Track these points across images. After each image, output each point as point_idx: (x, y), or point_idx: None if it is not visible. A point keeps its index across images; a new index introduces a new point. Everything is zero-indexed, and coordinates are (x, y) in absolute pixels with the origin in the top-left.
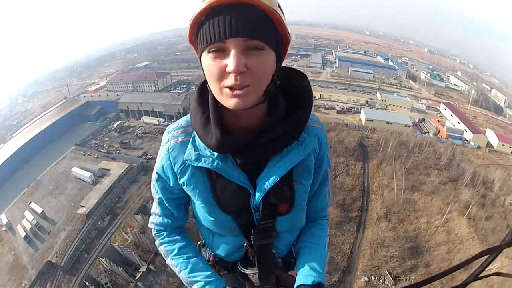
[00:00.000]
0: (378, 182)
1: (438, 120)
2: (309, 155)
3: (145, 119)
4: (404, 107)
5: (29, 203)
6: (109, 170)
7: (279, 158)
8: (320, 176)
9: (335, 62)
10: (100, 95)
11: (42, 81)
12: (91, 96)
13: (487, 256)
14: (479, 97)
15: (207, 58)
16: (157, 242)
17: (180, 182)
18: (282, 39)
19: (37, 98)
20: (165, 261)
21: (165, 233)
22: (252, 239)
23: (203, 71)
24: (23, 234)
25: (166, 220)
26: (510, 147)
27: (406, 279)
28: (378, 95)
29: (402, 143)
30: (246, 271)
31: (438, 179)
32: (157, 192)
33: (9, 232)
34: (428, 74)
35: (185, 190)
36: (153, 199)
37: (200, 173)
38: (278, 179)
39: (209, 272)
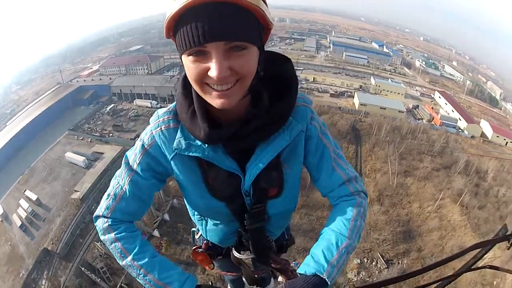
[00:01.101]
0: (371, 165)
1: (432, 108)
2: (297, 138)
3: (138, 101)
4: (398, 93)
5: (24, 191)
6: (102, 153)
7: (266, 144)
8: (313, 146)
9: (329, 47)
10: (93, 80)
11: (35, 68)
12: (84, 80)
13: (480, 248)
14: (475, 88)
15: (187, 60)
16: (109, 237)
17: (174, 169)
18: (264, 28)
19: (31, 85)
20: (118, 261)
21: (123, 226)
22: (245, 223)
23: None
24: (19, 223)
25: (130, 206)
26: (504, 139)
27: (398, 263)
28: (372, 80)
29: (396, 128)
30: (241, 256)
31: (431, 165)
32: (136, 169)
33: (5, 222)
34: (423, 62)
35: (176, 178)
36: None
37: (190, 161)
38: (265, 164)
39: (179, 270)
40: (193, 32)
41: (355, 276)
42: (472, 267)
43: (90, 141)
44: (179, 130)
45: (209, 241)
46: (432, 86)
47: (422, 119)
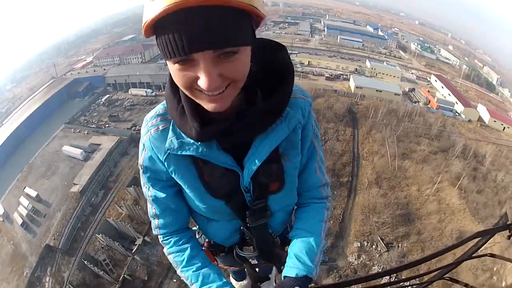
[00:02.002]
0: (368, 148)
1: (428, 91)
2: (294, 129)
3: (133, 91)
4: (394, 76)
5: (24, 188)
6: (100, 145)
7: (263, 137)
8: (306, 147)
9: (324, 30)
10: (87, 71)
11: (29, 65)
12: (78, 73)
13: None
14: (471, 72)
15: (173, 68)
16: (165, 251)
17: (169, 170)
18: (256, 21)
19: (25, 82)
20: (176, 271)
21: (172, 241)
22: (247, 221)
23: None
24: (20, 221)
25: (167, 219)
26: (502, 124)
27: (398, 246)
28: (368, 63)
29: (392, 111)
30: (245, 254)
31: (428, 148)
32: (149, 187)
33: (7, 221)
34: (419, 46)
35: (174, 178)
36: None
37: (185, 160)
38: (264, 158)
39: (221, 282)
40: (177, 41)
41: (355, 259)
42: (473, 255)
43: (87, 133)
44: (170, 130)
45: (211, 240)
46: (428, 69)
47: (418, 102)
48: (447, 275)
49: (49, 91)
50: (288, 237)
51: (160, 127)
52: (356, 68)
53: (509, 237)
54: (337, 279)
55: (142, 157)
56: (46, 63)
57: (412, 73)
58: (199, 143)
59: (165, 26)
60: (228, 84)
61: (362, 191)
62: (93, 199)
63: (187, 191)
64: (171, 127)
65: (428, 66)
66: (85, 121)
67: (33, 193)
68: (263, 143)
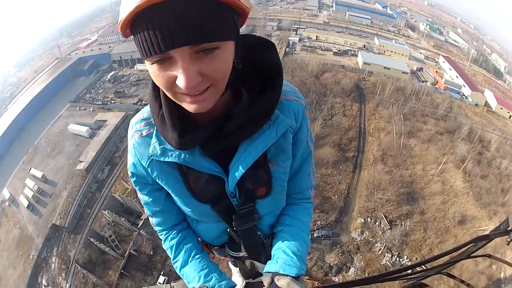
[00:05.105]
0: (375, 124)
1: (436, 71)
2: (284, 134)
3: (139, 66)
4: (402, 54)
5: (29, 170)
6: (105, 121)
7: (249, 142)
8: (300, 152)
9: (332, 6)
10: (92, 50)
11: (32, 48)
12: (83, 52)
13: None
14: (479, 57)
15: (151, 68)
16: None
17: (153, 176)
18: (240, 14)
19: (29, 65)
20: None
21: (166, 235)
22: (234, 225)
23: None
24: (26, 203)
25: (159, 219)
26: (508, 112)
27: (401, 224)
28: (376, 40)
29: (399, 88)
30: (234, 254)
31: (435, 128)
32: (138, 191)
33: (13, 205)
34: (428, 26)
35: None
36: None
37: (169, 166)
38: (249, 166)
39: (197, 283)
40: (152, 38)
41: (358, 235)
42: (472, 255)
43: (92, 110)
44: (153, 135)
45: (201, 239)
46: (436, 50)
47: (426, 81)
48: (444, 271)
49: (53, 72)
50: (273, 231)
51: (144, 133)
52: (364, 45)
53: (508, 243)
54: (339, 254)
55: (129, 162)
56: (50, 45)
57: (420, 53)
58: None
59: (139, 24)
60: (210, 85)
61: (367, 167)
62: (99, 175)
63: (173, 195)
64: (154, 132)
65: (437, 47)
66: (90, 99)
67: (39, 174)
68: (248, 149)
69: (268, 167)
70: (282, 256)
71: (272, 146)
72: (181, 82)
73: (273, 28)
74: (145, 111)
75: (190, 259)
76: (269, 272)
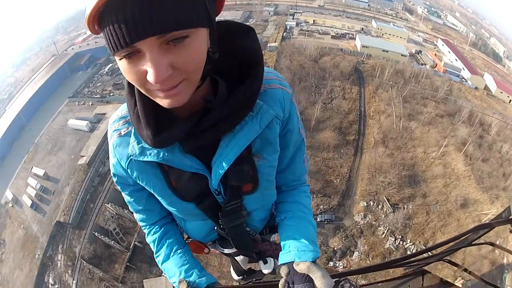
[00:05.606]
0: (375, 107)
1: (435, 54)
2: (270, 125)
3: None
4: (401, 37)
5: (31, 169)
6: (105, 114)
7: (231, 137)
8: (293, 141)
9: None
10: (88, 44)
11: (28, 48)
12: (79, 47)
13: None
14: (478, 41)
15: (120, 63)
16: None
17: (133, 177)
18: (215, 0)
19: (26, 64)
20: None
21: (149, 230)
22: (220, 223)
23: None
24: (29, 202)
25: (142, 216)
26: (508, 96)
27: (404, 208)
28: (374, 24)
29: (399, 71)
30: (224, 250)
31: (435, 111)
32: (121, 190)
33: (16, 206)
34: (425, 10)
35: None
36: None
37: (149, 166)
38: (232, 161)
39: (174, 277)
40: (117, 31)
41: (361, 219)
42: (473, 242)
43: (91, 104)
44: (132, 134)
45: (191, 237)
46: (434, 33)
47: (425, 64)
48: (446, 258)
49: (50, 69)
50: (276, 224)
51: (122, 132)
52: (362, 28)
53: (511, 231)
54: (343, 238)
55: (110, 162)
56: (46, 42)
57: (419, 36)
58: None
59: (105, 18)
60: (183, 79)
61: (368, 150)
62: (100, 168)
63: (156, 195)
64: (133, 131)
65: (435, 30)
66: (89, 93)
67: (41, 172)
68: (231, 143)
69: (253, 161)
70: (293, 244)
71: (257, 138)
72: (150, 76)
73: (269, 13)
74: (123, 108)
75: (172, 253)
76: (285, 264)
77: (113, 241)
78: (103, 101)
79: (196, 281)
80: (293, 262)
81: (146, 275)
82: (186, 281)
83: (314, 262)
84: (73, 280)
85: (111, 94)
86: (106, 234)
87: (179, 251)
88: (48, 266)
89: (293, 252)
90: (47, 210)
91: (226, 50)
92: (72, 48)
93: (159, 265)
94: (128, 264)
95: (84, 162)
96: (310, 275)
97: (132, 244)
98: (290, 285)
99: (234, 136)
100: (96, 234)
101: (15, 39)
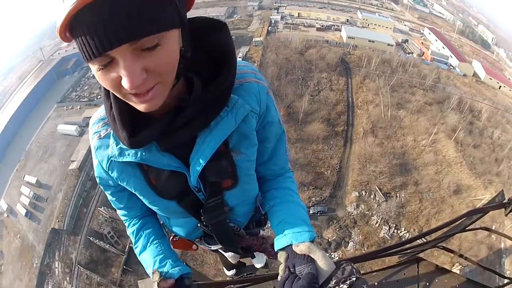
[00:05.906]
0: (363, 97)
1: (422, 43)
2: (246, 119)
3: None
4: (386, 27)
5: (23, 177)
6: None
7: (207, 133)
8: (273, 133)
9: None
10: (74, 48)
11: (14, 56)
12: (65, 51)
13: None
14: (465, 29)
15: (94, 71)
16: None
17: (114, 178)
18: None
19: (13, 72)
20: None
21: (129, 222)
22: (203, 219)
23: None
24: (23, 211)
25: (123, 212)
26: (498, 82)
27: (396, 196)
28: (359, 14)
29: (386, 61)
30: (212, 247)
31: (423, 99)
32: (103, 189)
33: (11, 216)
34: None
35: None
36: None
37: (129, 166)
38: (209, 157)
39: (151, 269)
40: (89, 41)
41: (354, 209)
42: (467, 228)
43: (79, 108)
44: (111, 135)
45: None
46: (421, 22)
47: (412, 53)
48: (440, 244)
49: (38, 75)
50: (263, 218)
51: (102, 134)
52: (348, 19)
53: (506, 214)
54: (337, 229)
55: (94, 164)
56: (32, 48)
57: (405, 25)
58: None
59: (76, 28)
60: (158, 81)
61: (358, 140)
62: (92, 172)
63: (137, 194)
64: (112, 133)
65: (421, 19)
66: (76, 97)
67: (33, 180)
68: (206, 140)
69: (231, 156)
70: (287, 228)
71: (234, 133)
72: (125, 83)
73: (254, 8)
74: (102, 110)
75: (149, 244)
76: (282, 249)
77: (108, 245)
78: (91, 104)
79: (169, 271)
80: (291, 245)
81: (143, 277)
82: (158, 271)
83: (312, 242)
84: (71, 286)
85: (99, 96)
86: (101, 238)
87: (155, 241)
88: (46, 274)
89: (289, 235)
90: (42, 218)
91: (199, 47)
92: (59, 53)
93: (138, 256)
94: (124, 267)
95: (75, 167)
96: (311, 255)
97: (127, 247)
98: (291, 269)
99: (210, 132)
100: (91, 238)
101: (1, 47)
